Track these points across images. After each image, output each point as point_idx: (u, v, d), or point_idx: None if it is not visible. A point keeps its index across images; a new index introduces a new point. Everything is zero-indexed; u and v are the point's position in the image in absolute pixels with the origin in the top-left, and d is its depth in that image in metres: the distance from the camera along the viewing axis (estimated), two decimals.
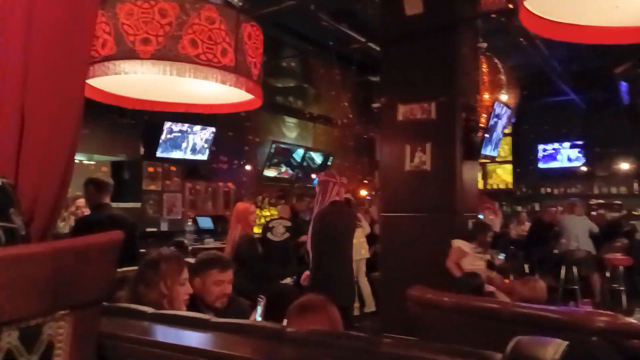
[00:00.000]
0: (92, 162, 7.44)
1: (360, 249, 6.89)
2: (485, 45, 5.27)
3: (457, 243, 4.62)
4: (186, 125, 7.64)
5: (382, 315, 5.04)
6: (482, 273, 4.59)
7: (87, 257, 1.22)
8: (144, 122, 7.31)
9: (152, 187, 7.64)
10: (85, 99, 2.12)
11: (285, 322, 2.02)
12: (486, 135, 4.97)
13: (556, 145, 11.94)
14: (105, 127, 6.90)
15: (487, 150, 5.16)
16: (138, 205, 7.40)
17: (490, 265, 6.95)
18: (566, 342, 1.16)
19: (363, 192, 11.62)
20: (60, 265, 1.16)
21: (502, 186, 12.76)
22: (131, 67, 2.17)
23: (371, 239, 7.82)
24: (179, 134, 7.62)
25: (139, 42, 2.12)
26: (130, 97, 2.74)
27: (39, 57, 1.48)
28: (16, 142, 1.43)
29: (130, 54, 2.14)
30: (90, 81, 2.37)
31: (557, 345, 1.15)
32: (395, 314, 4.45)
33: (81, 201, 4.51)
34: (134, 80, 2.50)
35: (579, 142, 11.51)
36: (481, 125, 5.08)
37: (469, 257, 4.52)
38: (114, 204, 6.09)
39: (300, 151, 10.17)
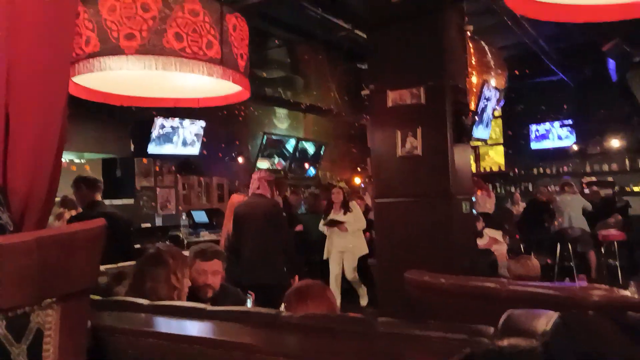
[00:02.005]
0: (82, 161, 7.41)
1: (347, 244, 6.83)
2: (471, 27, 5.26)
3: (490, 233, 4.78)
4: (177, 120, 7.61)
5: (380, 300, 5.08)
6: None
7: (73, 245, 1.22)
8: (134, 118, 7.27)
9: (145, 184, 7.63)
10: (73, 98, 2.12)
11: (282, 307, 2.04)
12: (476, 117, 4.99)
13: (547, 125, 11.98)
14: (95, 125, 6.86)
15: (478, 133, 5.17)
16: (131, 201, 7.39)
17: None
18: (557, 313, 1.18)
19: (357, 180, 11.65)
20: (46, 254, 1.16)
21: (495, 168, 12.82)
22: (116, 63, 2.16)
23: (366, 225, 7.85)
24: (170, 130, 7.60)
25: (123, 37, 2.11)
26: (117, 94, 2.73)
27: (21, 56, 1.47)
28: (2, 142, 1.43)
29: (115, 50, 2.13)
30: (76, 79, 2.36)
31: (548, 317, 1.17)
32: (393, 299, 4.48)
33: (68, 214, 4.51)
34: (121, 77, 2.49)
35: (569, 122, 11.54)
36: (471, 108, 5.09)
37: (499, 244, 4.66)
38: (107, 202, 6.09)
39: (293, 142, 10.15)
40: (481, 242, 5.62)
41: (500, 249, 5.94)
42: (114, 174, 7.46)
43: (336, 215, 6.82)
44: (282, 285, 4.12)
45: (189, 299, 2.43)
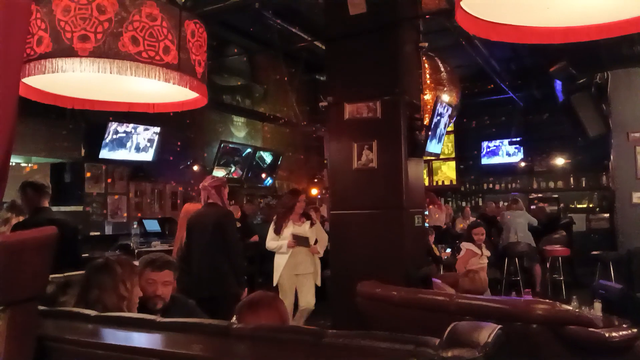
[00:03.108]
0: (30, 165, 7.14)
1: (309, 265, 5.59)
2: (426, 44, 5.41)
3: (467, 246, 4.89)
4: (131, 125, 7.45)
5: (333, 312, 5.09)
6: (484, 270, 4.91)
7: (21, 253, 1.19)
8: (85, 122, 7.08)
9: (95, 190, 7.41)
10: (23, 99, 2.05)
11: (234, 318, 2.02)
12: (429, 133, 5.11)
13: (497, 142, 12.39)
14: (44, 128, 6.64)
15: (431, 148, 5.30)
16: (80, 208, 7.16)
17: (437, 259, 7.17)
18: (499, 326, 1.23)
19: (314, 191, 11.69)
20: None
21: (447, 182, 13.14)
22: (69, 65, 2.10)
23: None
24: (124, 135, 7.43)
25: (76, 39, 2.06)
26: (69, 97, 2.65)
27: None
28: None
29: (68, 52, 2.08)
30: (27, 80, 2.29)
31: (490, 329, 1.21)
32: (346, 310, 4.51)
33: (15, 220, 4.33)
34: (74, 79, 2.42)
35: (517, 139, 11.98)
36: (424, 123, 5.22)
37: (477, 257, 4.75)
38: (55, 208, 5.89)
39: (250, 150, 10.11)
40: (459, 256, 5.65)
41: (481, 263, 5.52)
42: (63, 178, 7.22)
43: (297, 227, 5.63)
44: (230, 296, 4.09)
45: (138, 310, 2.37)
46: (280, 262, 5.48)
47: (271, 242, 5.56)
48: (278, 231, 5.51)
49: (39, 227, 1.30)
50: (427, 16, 5.28)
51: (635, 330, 3.07)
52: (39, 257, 1.23)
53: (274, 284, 5.46)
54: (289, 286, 5.42)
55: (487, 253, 5.51)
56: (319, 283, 5.55)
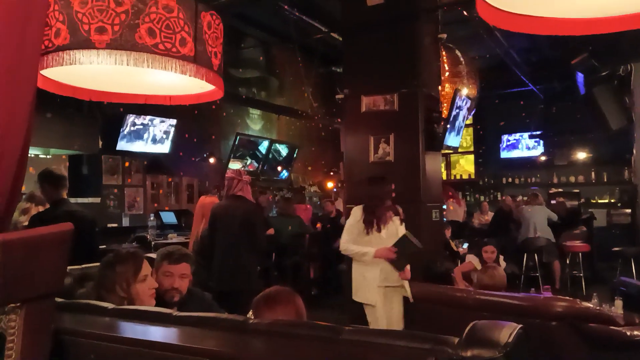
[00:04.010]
0: (48, 156, 7.22)
1: (388, 273, 3.96)
2: (445, 36, 5.33)
3: (471, 259, 4.79)
4: (147, 118, 7.49)
5: (350, 306, 5.07)
6: None
7: (38, 249, 1.19)
8: (102, 114, 7.13)
9: (113, 182, 7.47)
10: (41, 91, 2.05)
11: (250, 313, 2.01)
12: (448, 126, 5.05)
13: (517, 135, 12.22)
14: (62, 120, 6.69)
15: (449, 141, 5.24)
16: (98, 200, 7.22)
17: (454, 254, 7.11)
18: (520, 325, 1.20)
19: (329, 184, 11.67)
20: (10, 258, 1.12)
21: (465, 176, 13.01)
22: (87, 57, 2.10)
23: (338, 230, 7.87)
24: (141, 127, 7.47)
25: (94, 31, 2.05)
26: (87, 88, 2.66)
27: None
28: None
29: (85, 44, 2.07)
30: (44, 72, 2.30)
31: (511, 328, 1.18)
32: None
33: (35, 210, 4.36)
34: (91, 71, 2.42)
35: (538, 132, 11.80)
36: (442, 116, 5.16)
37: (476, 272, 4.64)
38: (73, 200, 5.94)
39: (266, 143, 10.11)
40: (461, 265, 5.52)
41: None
42: (81, 170, 7.29)
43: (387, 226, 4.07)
44: (253, 291, 4.05)
45: (155, 302, 2.38)
46: (367, 274, 3.97)
47: (350, 245, 4.01)
48: (368, 230, 3.98)
49: (56, 222, 1.29)
50: (445, 7, 5.19)
51: None
52: (55, 254, 1.22)
53: (355, 299, 4.07)
54: (381, 302, 3.89)
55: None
56: (411, 297, 3.86)
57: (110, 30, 2.06)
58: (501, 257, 5.28)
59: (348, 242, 4.02)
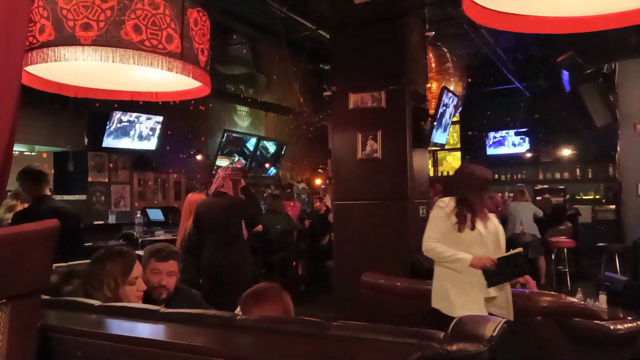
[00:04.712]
0: (33, 153, 7.14)
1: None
2: (432, 34, 5.36)
3: None
4: (134, 114, 7.43)
5: (336, 302, 5.10)
6: None
7: (24, 246, 1.18)
8: (88, 111, 7.06)
9: (99, 179, 7.42)
10: (26, 88, 2.03)
11: (238, 310, 2.01)
12: (435, 123, 5.08)
13: (503, 132, 12.32)
14: (48, 117, 6.63)
15: (436, 138, 5.27)
16: (84, 197, 7.17)
17: None
18: (504, 320, 1.22)
19: (317, 181, 11.68)
20: None
21: (452, 173, 13.05)
22: (72, 53, 2.08)
23: (326, 227, 7.89)
24: (127, 124, 7.42)
25: (79, 27, 2.04)
26: (72, 85, 2.64)
27: None
28: None
29: (70, 40, 2.06)
30: (29, 69, 2.27)
31: (495, 323, 1.20)
32: (350, 301, 4.51)
33: (20, 207, 4.31)
34: (77, 68, 2.40)
35: (523, 130, 11.90)
36: (430, 113, 5.19)
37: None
38: (59, 197, 5.89)
39: (253, 140, 10.09)
40: None
41: None
42: (66, 167, 7.22)
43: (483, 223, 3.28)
44: (240, 285, 4.08)
45: (143, 300, 2.36)
46: (462, 285, 3.16)
47: (438, 245, 3.20)
48: (462, 228, 3.19)
49: (40, 219, 1.28)
50: (433, 4, 5.22)
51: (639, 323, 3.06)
52: (41, 251, 1.22)
53: (443, 312, 3.17)
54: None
55: None
56: (512, 318, 3.02)
57: (96, 26, 2.05)
58: None
59: (436, 242, 3.20)
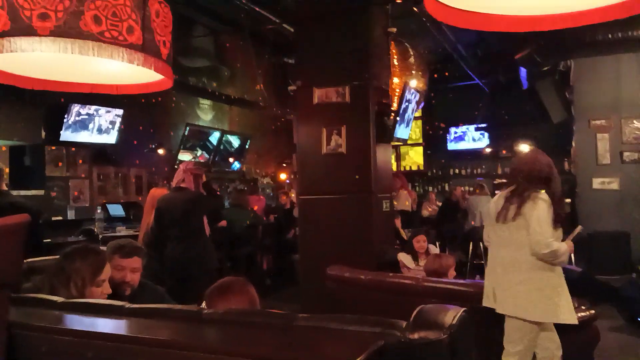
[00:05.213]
0: None
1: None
2: (395, 30, 5.42)
3: (402, 257, 4.77)
4: (93, 107, 7.25)
5: (302, 296, 5.13)
6: None
7: None
8: (45, 104, 6.85)
9: (57, 173, 7.21)
10: None
11: (204, 304, 2.01)
12: (398, 118, 5.15)
13: (464, 128, 12.57)
14: (2, 110, 6.40)
15: (399, 133, 5.35)
16: (41, 192, 6.96)
17: (404, 242, 7.25)
18: (463, 309, 1.27)
19: (282, 176, 11.66)
20: None
21: (414, 167, 13.28)
22: (29, 44, 2.03)
23: (291, 221, 7.91)
24: (86, 117, 7.23)
25: (36, 17, 1.99)
26: (29, 77, 2.57)
27: None
28: None
29: (27, 31, 2.00)
30: None
31: (455, 311, 1.25)
32: (315, 294, 4.55)
33: None
34: (33, 59, 2.34)
35: (483, 125, 12.17)
36: (392, 108, 5.25)
37: (410, 271, 4.65)
38: (15, 192, 5.70)
39: (217, 134, 9.98)
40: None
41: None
42: (23, 162, 7.00)
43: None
44: (204, 275, 4.08)
45: (107, 297, 2.32)
46: (562, 282, 2.99)
47: (552, 240, 2.89)
48: (556, 225, 2.96)
49: (1, 215, 1.25)
50: (397, 0, 5.28)
51: (593, 311, 3.21)
52: (10, 245, 1.19)
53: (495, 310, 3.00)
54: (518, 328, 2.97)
55: (423, 263, 4.58)
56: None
57: (54, 16, 2.00)
58: (432, 246, 5.19)
59: (550, 238, 2.86)
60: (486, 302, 3.05)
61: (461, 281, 3.67)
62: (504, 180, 11.74)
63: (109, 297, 2.25)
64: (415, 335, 1.22)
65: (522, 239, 2.92)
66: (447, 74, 10.49)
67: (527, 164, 3.15)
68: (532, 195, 2.95)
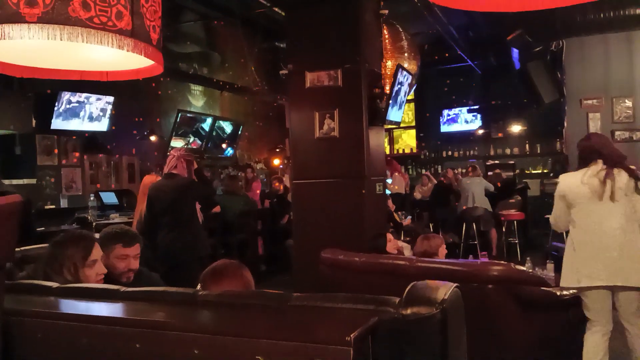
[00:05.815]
0: None
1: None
2: (387, 12, 5.39)
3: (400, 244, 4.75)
4: (83, 95, 7.19)
5: (295, 280, 5.16)
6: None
7: None
8: (35, 92, 6.79)
9: (48, 162, 7.17)
10: None
11: (199, 287, 2.02)
12: (390, 101, 5.15)
13: (456, 110, 12.58)
14: None
15: (392, 116, 5.35)
16: (33, 181, 6.93)
17: (398, 225, 7.31)
18: (455, 284, 1.29)
19: (276, 161, 11.65)
20: None
21: (407, 150, 13.31)
22: (17, 31, 2.00)
23: (285, 207, 7.92)
24: (77, 104, 7.17)
25: (23, 4, 1.96)
26: (18, 65, 2.54)
27: None
28: None
29: (15, 17, 1.98)
30: None
31: (446, 287, 1.27)
32: (309, 278, 4.57)
33: None
34: (22, 46, 2.32)
35: (475, 107, 12.19)
36: (385, 91, 5.25)
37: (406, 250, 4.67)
38: (7, 182, 5.68)
39: (209, 120, 9.94)
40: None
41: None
42: (13, 151, 6.95)
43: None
44: (197, 261, 4.11)
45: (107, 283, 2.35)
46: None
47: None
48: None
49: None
50: None
51: None
52: (3, 225, 1.19)
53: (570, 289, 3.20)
54: (598, 300, 3.12)
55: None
56: None
57: (42, 3, 1.97)
58: (404, 244, 5.26)
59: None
60: (570, 283, 3.13)
61: (454, 261, 3.71)
62: (497, 162, 11.82)
63: (110, 283, 2.27)
64: (408, 311, 1.24)
65: (627, 210, 3.10)
66: (439, 56, 10.46)
67: (605, 145, 3.45)
68: (619, 170, 3.18)
